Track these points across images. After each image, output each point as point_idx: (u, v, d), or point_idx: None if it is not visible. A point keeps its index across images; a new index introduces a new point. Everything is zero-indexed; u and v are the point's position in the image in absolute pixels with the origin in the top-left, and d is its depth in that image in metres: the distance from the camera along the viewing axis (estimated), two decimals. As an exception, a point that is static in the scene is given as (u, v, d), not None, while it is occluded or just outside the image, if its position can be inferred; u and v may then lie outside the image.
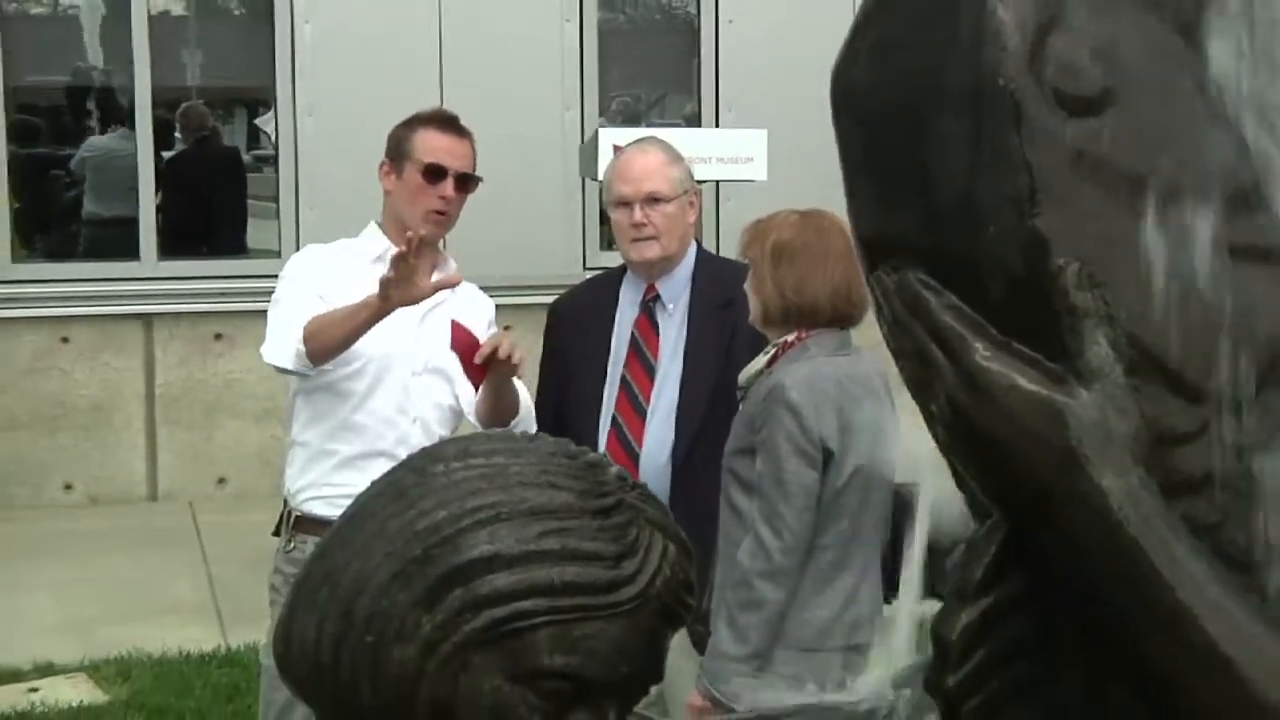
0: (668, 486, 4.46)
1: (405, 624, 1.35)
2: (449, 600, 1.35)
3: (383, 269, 4.30)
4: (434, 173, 4.58)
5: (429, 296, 4.28)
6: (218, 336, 9.28)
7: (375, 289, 4.22)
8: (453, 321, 4.49)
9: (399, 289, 4.17)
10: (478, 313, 4.71)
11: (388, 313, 4.24)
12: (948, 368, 1.38)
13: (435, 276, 4.49)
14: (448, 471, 1.41)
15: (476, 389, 4.51)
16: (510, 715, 1.36)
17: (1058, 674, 1.44)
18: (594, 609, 1.36)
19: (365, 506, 1.44)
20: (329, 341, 4.35)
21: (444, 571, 1.35)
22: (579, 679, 1.37)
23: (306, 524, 4.37)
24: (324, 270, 4.47)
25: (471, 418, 4.61)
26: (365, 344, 4.46)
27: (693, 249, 4.76)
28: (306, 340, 4.36)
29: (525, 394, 4.65)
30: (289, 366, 4.46)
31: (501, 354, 4.30)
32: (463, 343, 4.44)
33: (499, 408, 4.53)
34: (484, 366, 4.38)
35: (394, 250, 4.36)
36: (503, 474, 1.39)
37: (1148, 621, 1.35)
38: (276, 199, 10.13)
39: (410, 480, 1.42)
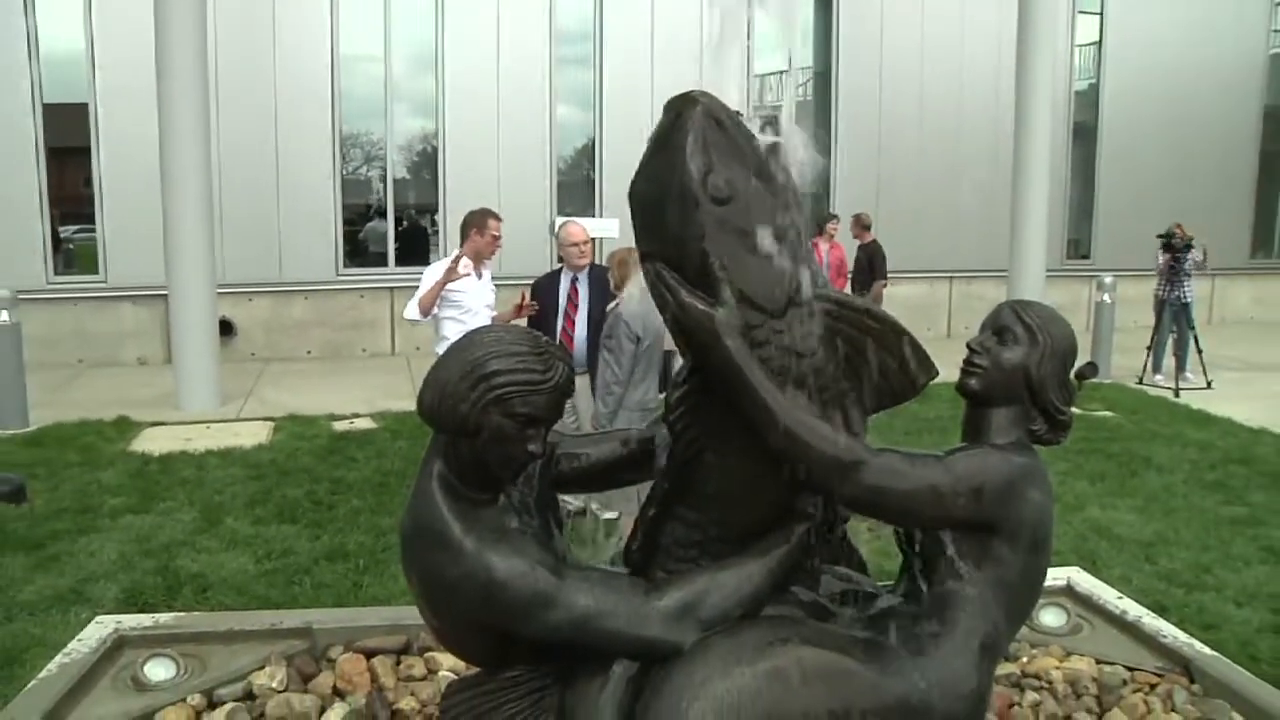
0: (585, 350, 4.34)
1: (463, 396, 1.27)
2: (480, 388, 1.27)
3: (460, 267, 4.37)
4: (495, 237, 4.51)
5: (463, 278, 4.36)
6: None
7: (462, 278, 4.37)
8: (523, 292, 4.47)
9: (453, 273, 4.31)
10: (491, 289, 4.62)
11: (448, 281, 4.28)
12: (671, 301, 1.30)
13: (483, 273, 4.52)
14: (481, 339, 1.32)
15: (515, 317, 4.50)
16: (504, 432, 1.29)
17: (712, 421, 1.38)
18: (536, 391, 1.29)
19: (449, 350, 1.34)
20: (427, 301, 4.33)
21: (478, 376, 1.27)
22: (530, 417, 1.29)
23: None
24: (439, 271, 4.40)
25: None
26: (468, 300, 4.40)
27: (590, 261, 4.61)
28: (420, 304, 4.36)
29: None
30: (416, 317, 4.40)
31: (525, 302, 4.42)
32: (523, 297, 4.43)
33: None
34: (521, 307, 4.41)
35: (467, 261, 4.44)
36: (501, 340, 1.30)
37: (744, 400, 1.29)
38: (439, 245, 9.71)
39: (464, 342, 1.32)
